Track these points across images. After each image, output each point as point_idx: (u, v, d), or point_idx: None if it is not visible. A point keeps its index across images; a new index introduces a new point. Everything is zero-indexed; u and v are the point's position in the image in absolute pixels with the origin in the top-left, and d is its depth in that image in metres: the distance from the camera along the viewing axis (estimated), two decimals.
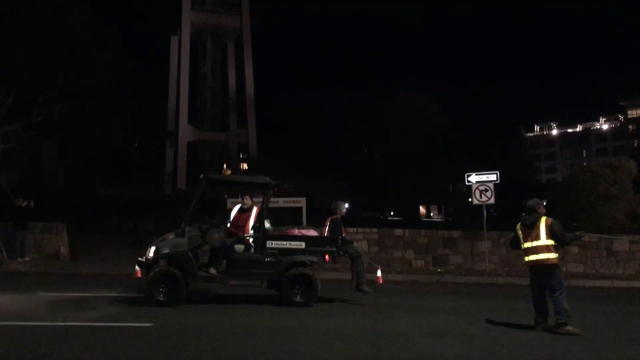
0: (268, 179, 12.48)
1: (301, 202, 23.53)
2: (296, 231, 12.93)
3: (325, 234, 13.16)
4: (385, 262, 21.50)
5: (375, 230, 22.71)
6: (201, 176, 12.34)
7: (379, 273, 16.59)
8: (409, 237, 22.67)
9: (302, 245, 12.16)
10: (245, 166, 53.14)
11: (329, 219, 13.29)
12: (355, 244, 13.83)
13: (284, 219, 22.90)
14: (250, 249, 12.27)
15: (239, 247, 12.23)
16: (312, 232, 12.98)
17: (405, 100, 49.12)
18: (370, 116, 49.60)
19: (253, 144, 51.81)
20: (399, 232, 22.87)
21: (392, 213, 52.59)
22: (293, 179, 34.44)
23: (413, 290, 16.70)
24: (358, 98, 55.50)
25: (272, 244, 12.19)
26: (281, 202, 23.73)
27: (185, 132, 52.39)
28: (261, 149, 51.28)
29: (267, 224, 12.32)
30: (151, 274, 11.79)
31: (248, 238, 12.31)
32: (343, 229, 13.24)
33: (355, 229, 22.30)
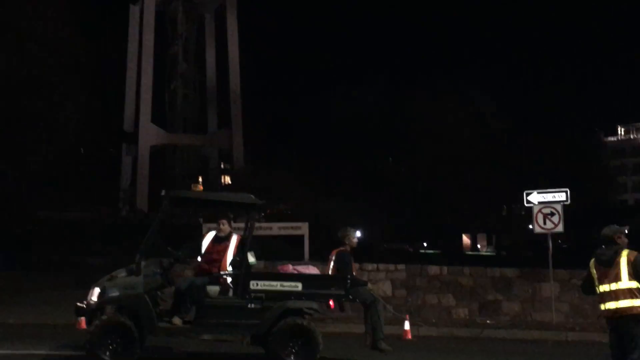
0: (253, 197, 12.59)
1: (302, 228, 23.79)
2: (290, 268, 13.02)
3: (330, 272, 13.44)
4: (415, 311, 21.92)
5: (402, 267, 22.83)
6: (162, 193, 12.46)
7: (406, 325, 16.84)
8: (447, 277, 22.99)
9: (299, 287, 12.24)
10: (227, 180, 53.30)
11: (334, 252, 13.51)
12: (370, 285, 14.02)
13: (280, 251, 23.34)
14: (228, 291, 12.40)
15: (213, 289, 12.36)
16: (313, 270, 13.07)
17: (440, 99, 49.44)
18: (402, 117, 49.74)
19: (239, 150, 51.87)
20: (434, 269, 23.07)
21: (425, 244, 52.62)
22: (293, 198, 34.55)
23: (452, 349, 16.85)
24: (384, 95, 55.12)
25: (257, 285, 12.25)
26: (276, 228, 24.07)
27: (148, 134, 52.22)
28: (250, 157, 51.34)
29: (251, 258, 12.37)
30: (94, 324, 11.90)
31: (225, 277, 12.42)
32: (354, 264, 13.46)
33: (374, 266, 22.45)
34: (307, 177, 40.93)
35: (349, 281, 12.60)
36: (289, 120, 57.66)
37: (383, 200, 44.48)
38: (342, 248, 13.78)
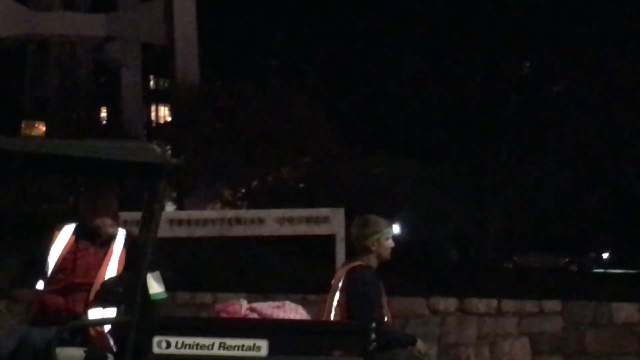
0: (158, 149, 7.95)
1: (332, 219, 18.16)
2: (242, 308, 8.69)
3: (333, 315, 8.88)
4: None
5: (553, 305, 17.18)
6: None
7: None
8: None
9: (262, 350, 8.08)
10: (164, 112, 45.78)
11: (345, 270, 8.84)
12: (424, 347, 8.70)
13: (280, 273, 19.31)
14: (105, 358, 8.41)
15: (71, 355, 8.18)
16: (295, 312, 8.75)
17: None
18: None
19: (189, 45, 37.59)
20: (626, 310, 17.62)
21: (604, 256, 42.92)
22: (307, 153, 26.88)
23: None
24: None
25: (169, 345, 8.07)
26: (272, 221, 18.27)
27: None
28: (214, 66, 39.61)
29: (155, 286, 8.34)
30: None
31: (97, 326, 8.32)
32: (385, 299, 8.85)
33: (489, 303, 16.88)
34: (337, 108, 32.31)
35: (374, 335, 8.10)
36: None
37: (514, 164, 32.07)
38: (358, 263, 8.76)
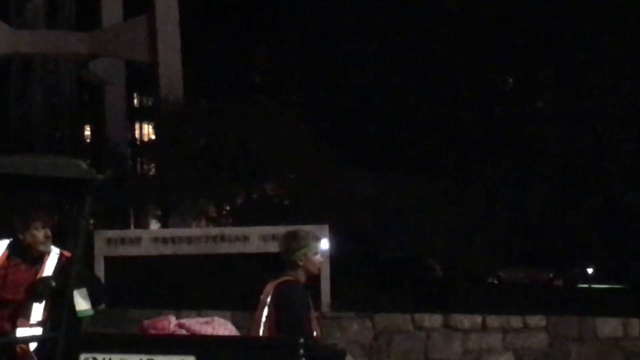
0: (83, 164, 7.70)
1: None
2: (171, 324, 8.41)
3: (262, 331, 8.57)
4: None
5: (537, 320, 17.51)
6: None
7: None
8: None
9: None
10: (148, 129, 45.85)
11: (274, 285, 8.53)
12: None
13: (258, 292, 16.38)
14: None
15: None
16: (222, 327, 8.54)
17: None
18: None
19: (172, 61, 37.77)
20: (610, 326, 17.95)
21: (590, 271, 42.33)
22: (292, 168, 26.73)
23: None
24: None
25: None
26: (257, 238, 18.68)
27: None
28: (197, 82, 40.11)
29: (81, 303, 8.13)
30: None
31: (23, 344, 8.26)
32: (313, 314, 8.50)
33: (474, 320, 17.12)
34: (322, 124, 31.94)
35: (302, 350, 7.68)
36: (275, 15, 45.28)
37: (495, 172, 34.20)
38: (286, 277, 8.43)
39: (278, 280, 8.51)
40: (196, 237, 19.13)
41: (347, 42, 43.12)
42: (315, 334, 8.43)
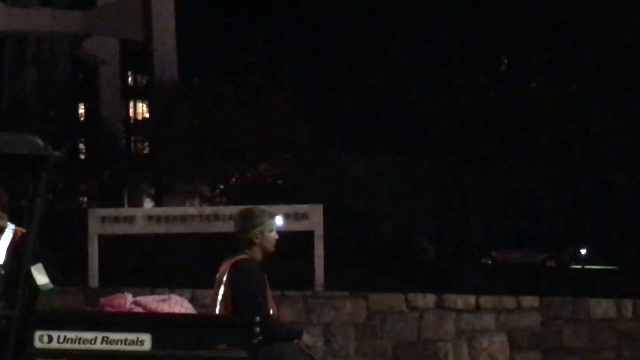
0: (39, 141, 7.99)
1: (310, 215, 18.67)
2: (127, 301, 8.91)
3: (218, 309, 8.70)
4: None
5: (531, 301, 17.51)
6: None
7: None
8: (635, 324, 17.68)
9: (145, 343, 8.20)
10: (142, 108, 45.42)
11: (228, 265, 8.56)
12: (311, 339, 8.95)
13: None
14: None
15: None
16: (178, 305, 8.90)
17: None
18: None
19: (167, 41, 37.78)
20: (603, 306, 17.97)
21: (583, 252, 43.17)
22: (286, 148, 26.60)
23: None
24: None
25: (50, 339, 8.19)
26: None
27: None
28: (192, 62, 39.96)
29: (40, 277, 8.23)
30: None
31: None
32: (269, 293, 8.64)
33: (467, 300, 17.00)
34: (316, 105, 32.08)
35: (258, 329, 8.15)
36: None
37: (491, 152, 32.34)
38: (242, 256, 8.41)
39: (234, 259, 8.55)
40: (190, 215, 19.16)
41: (342, 24, 43.21)
42: (271, 312, 8.54)
